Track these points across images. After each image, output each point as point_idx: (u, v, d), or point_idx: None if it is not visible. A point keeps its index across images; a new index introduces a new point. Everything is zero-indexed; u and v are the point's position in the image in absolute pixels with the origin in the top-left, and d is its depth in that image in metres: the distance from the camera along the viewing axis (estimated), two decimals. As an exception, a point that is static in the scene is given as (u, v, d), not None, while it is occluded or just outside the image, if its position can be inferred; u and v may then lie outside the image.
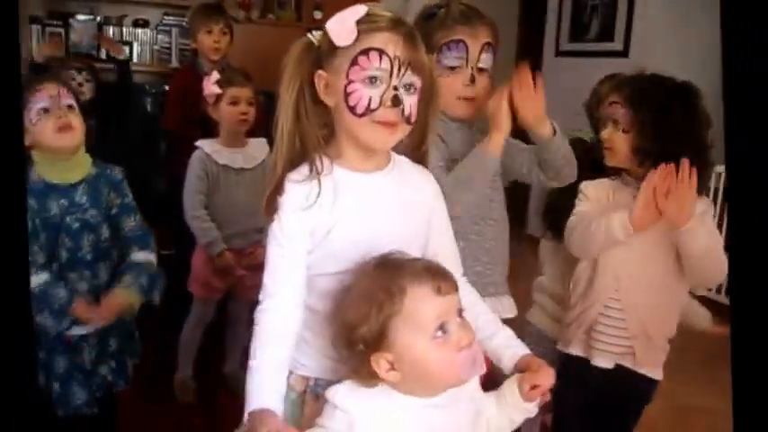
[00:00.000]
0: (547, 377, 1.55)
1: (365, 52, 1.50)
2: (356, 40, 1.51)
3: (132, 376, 2.52)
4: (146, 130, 4.80)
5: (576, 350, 2.28)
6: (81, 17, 5.29)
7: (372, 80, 1.51)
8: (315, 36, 1.59)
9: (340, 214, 1.58)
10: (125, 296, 2.31)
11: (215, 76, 3.17)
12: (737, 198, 1.25)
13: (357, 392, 1.48)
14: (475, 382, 1.55)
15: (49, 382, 2.33)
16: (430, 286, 1.43)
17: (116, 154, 2.57)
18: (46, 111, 2.25)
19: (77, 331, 2.32)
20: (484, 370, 1.48)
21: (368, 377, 1.47)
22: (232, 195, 3.16)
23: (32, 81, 2.32)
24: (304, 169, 1.58)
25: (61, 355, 2.33)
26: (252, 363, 1.55)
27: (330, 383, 1.58)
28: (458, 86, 2.05)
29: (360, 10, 1.53)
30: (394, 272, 1.47)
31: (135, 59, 5.38)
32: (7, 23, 1.07)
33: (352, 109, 1.52)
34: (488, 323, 1.67)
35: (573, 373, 2.22)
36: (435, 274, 1.46)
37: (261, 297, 1.61)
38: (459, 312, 1.46)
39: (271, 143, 3.19)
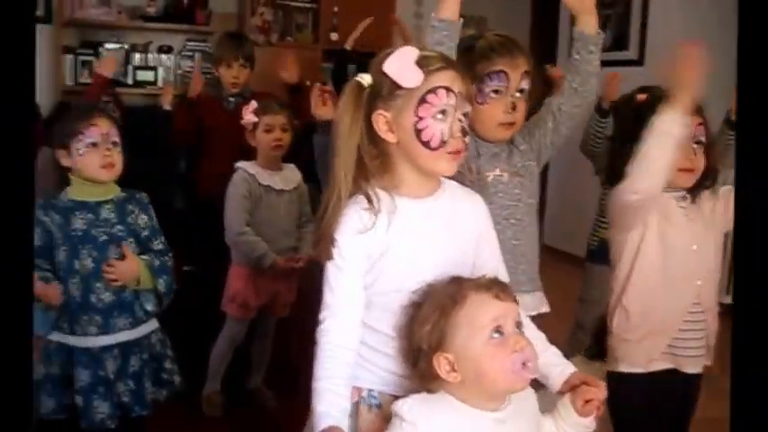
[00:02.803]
0: (599, 391, 1.62)
1: (433, 91, 1.60)
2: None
3: (150, 404, 2.52)
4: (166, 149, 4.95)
5: (660, 365, 2.28)
6: (109, 46, 5.47)
7: (442, 114, 1.60)
8: (365, 79, 1.67)
9: (394, 237, 1.66)
10: (136, 263, 2.39)
11: (253, 104, 3.29)
12: (744, 205, 1.32)
13: (423, 405, 1.55)
14: (534, 402, 1.63)
15: (73, 394, 2.39)
16: (490, 293, 1.53)
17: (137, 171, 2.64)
18: (94, 145, 2.37)
19: (100, 342, 2.39)
20: (536, 374, 1.56)
21: (430, 379, 1.56)
22: (272, 215, 3.28)
23: (87, 115, 2.42)
24: (361, 199, 1.66)
25: (84, 367, 2.39)
26: (320, 383, 1.63)
27: (382, 394, 1.69)
28: (499, 113, 2.15)
29: (411, 52, 1.62)
30: (459, 283, 1.58)
31: (160, 83, 5.54)
32: (23, 58, 1.11)
33: (426, 144, 1.61)
34: (535, 341, 1.69)
35: (657, 387, 2.25)
36: (496, 284, 1.57)
37: (322, 317, 1.68)
38: (518, 324, 1.54)
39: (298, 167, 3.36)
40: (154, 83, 5.53)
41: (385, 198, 1.67)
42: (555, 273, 2.89)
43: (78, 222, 2.38)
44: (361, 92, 1.66)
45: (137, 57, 5.54)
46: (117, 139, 2.43)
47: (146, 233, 2.49)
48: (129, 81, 5.44)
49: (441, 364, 1.53)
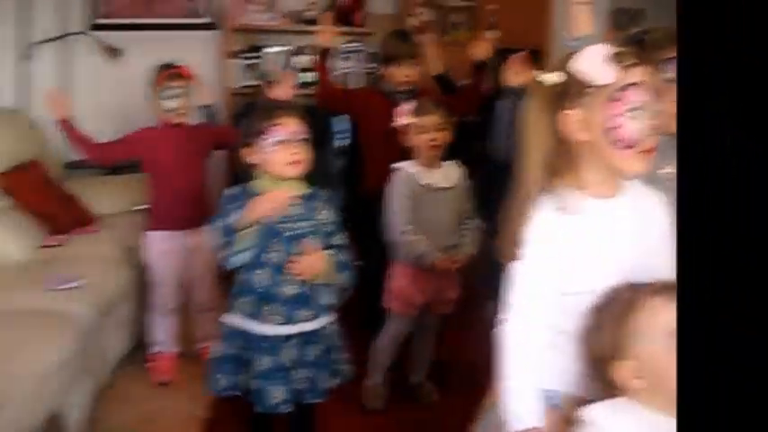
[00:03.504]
0: None
1: (626, 88, 1.57)
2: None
3: (323, 393, 2.64)
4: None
5: None
6: (272, 49, 5.70)
7: (635, 112, 1.57)
8: (548, 78, 1.65)
9: (582, 238, 1.66)
10: (320, 259, 2.50)
11: (407, 106, 3.34)
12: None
13: (609, 412, 1.56)
14: None
15: (250, 378, 2.53)
16: (666, 296, 1.51)
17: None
18: (282, 142, 2.46)
19: (282, 331, 2.52)
20: None
21: (613, 386, 1.57)
22: (433, 213, 3.30)
23: (274, 113, 2.51)
24: (550, 199, 1.67)
25: (265, 354, 2.51)
26: (512, 383, 1.67)
27: (563, 394, 1.72)
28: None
29: (600, 49, 1.59)
30: (635, 289, 1.58)
31: (320, 84, 5.75)
32: None
33: (618, 143, 1.59)
34: None
35: None
36: (672, 287, 1.47)
37: (505, 317, 1.71)
38: None
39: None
40: (315, 83, 5.72)
41: (574, 198, 1.66)
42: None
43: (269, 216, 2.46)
44: (548, 91, 1.65)
45: (298, 59, 5.73)
46: (305, 136, 2.51)
47: (329, 229, 2.59)
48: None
49: (623, 372, 1.54)
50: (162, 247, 3.73)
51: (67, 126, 3.63)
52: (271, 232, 2.49)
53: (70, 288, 3.34)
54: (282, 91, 4.12)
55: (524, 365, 1.69)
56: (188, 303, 3.93)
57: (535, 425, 1.63)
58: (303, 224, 2.54)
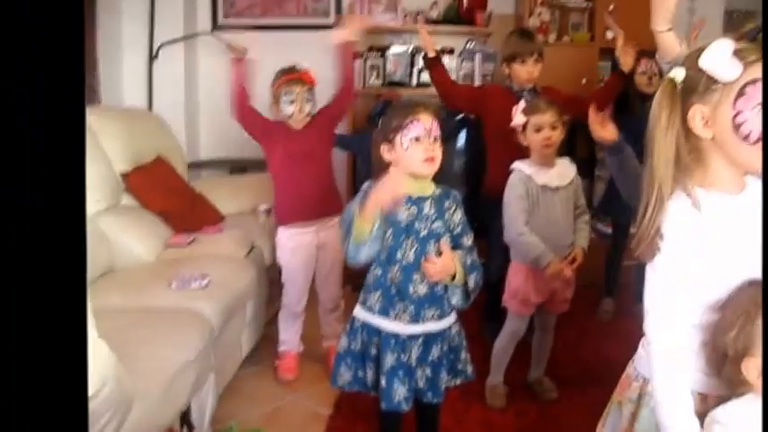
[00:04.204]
0: None
1: (753, 83, 1.57)
2: None
3: (444, 393, 2.63)
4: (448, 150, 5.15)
5: None
6: (396, 49, 5.74)
7: (759, 108, 1.56)
8: (677, 74, 1.67)
9: (714, 234, 1.65)
10: (452, 260, 2.49)
11: (521, 105, 3.36)
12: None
13: (737, 411, 1.56)
14: None
15: (379, 376, 2.54)
16: None
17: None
18: (417, 140, 2.46)
19: (410, 330, 2.53)
20: None
21: (739, 384, 1.57)
22: (550, 213, 3.33)
23: (410, 110, 2.50)
24: (683, 197, 1.66)
25: (391, 351, 2.52)
26: (667, 394, 1.66)
27: (699, 396, 1.69)
28: None
29: (728, 44, 1.59)
30: (761, 287, 1.56)
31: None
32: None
33: (746, 138, 1.58)
34: None
35: None
36: None
37: (650, 320, 1.71)
38: None
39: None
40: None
41: (704, 195, 1.66)
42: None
43: (404, 214, 2.49)
44: (675, 88, 1.66)
45: (420, 59, 5.71)
46: (439, 134, 2.51)
47: (458, 230, 2.59)
48: (414, 83, 5.67)
49: (750, 369, 1.53)
50: (292, 245, 3.77)
51: (241, 69, 3.67)
52: (406, 231, 2.51)
53: (197, 287, 3.40)
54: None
55: (679, 373, 1.68)
56: (313, 302, 3.97)
57: None
58: (437, 224, 2.54)
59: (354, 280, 2.57)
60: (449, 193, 2.61)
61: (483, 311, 4.21)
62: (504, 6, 5.86)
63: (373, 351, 2.57)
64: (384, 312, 2.55)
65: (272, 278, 4.15)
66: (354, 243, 2.38)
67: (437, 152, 2.50)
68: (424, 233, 2.51)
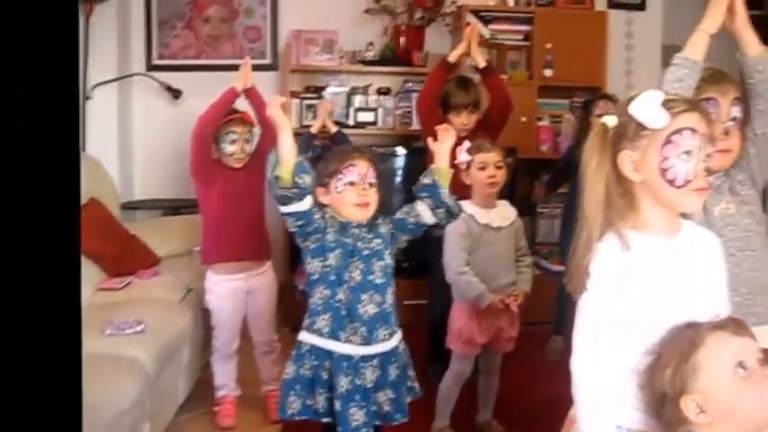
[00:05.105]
0: None
1: (679, 131, 1.67)
2: None
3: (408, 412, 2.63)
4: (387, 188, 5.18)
5: None
6: (332, 89, 5.74)
7: (687, 155, 1.66)
8: (610, 121, 1.75)
9: (644, 275, 1.70)
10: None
11: (466, 144, 3.37)
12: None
13: None
14: None
15: (333, 400, 2.52)
16: (727, 330, 1.56)
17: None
18: (352, 184, 2.54)
19: (362, 351, 2.53)
20: None
21: (678, 424, 1.58)
22: (491, 252, 3.34)
23: (347, 155, 2.59)
24: (612, 238, 1.71)
25: (344, 375, 2.51)
26: (587, 422, 1.71)
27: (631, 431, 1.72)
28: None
29: (657, 95, 1.68)
30: (695, 327, 1.61)
31: (380, 124, 5.77)
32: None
33: (671, 182, 1.68)
34: None
35: None
36: (732, 322, 1.60)
37: (576, 353, 1.75)
38: (762, 359, 1.55)
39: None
40: (374, 123, 5.75)
41: (634, 237, 1.72)
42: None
43: (350, 235, 2.55)
44: (606, 133, 1.74)
45: (357, 99, 5.76)
46: (374, 180, 2.58)
47: (389, 220, 2.66)
48: (351, 122, 5.66)
49: (688, 407, 1.56)
50: (221, 290, 3.72)
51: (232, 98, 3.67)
52: (351, 252, 2.55)
53: (132, 333, 3.31)
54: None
55: (598, 402, 1.71)
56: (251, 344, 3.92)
57: None
58: (375, 242, 2.60)
59: (293, 321, 2.54)
60: (377, 215, 2.66)
61: (425, 353, 4.17)
62: (441, 46, 5.87)
63: (324, 376, 2.55)
64: (334, 335, 2.54)
65: (208, 321, 4.07)
66: (278, 189, 2.40)
67: (371, 197, 2.57)
68: (366, 252, 2.56)
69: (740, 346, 1.55)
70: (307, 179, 2.39)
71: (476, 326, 3.36)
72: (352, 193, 2.54)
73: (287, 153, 2.39)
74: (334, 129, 4.49)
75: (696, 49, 2.12)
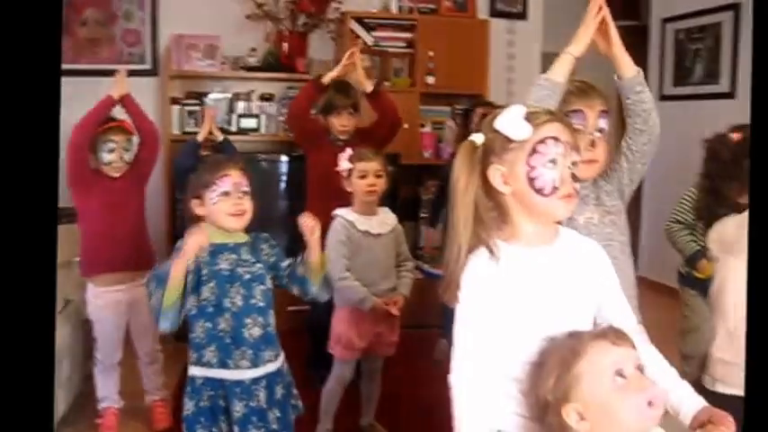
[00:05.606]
0: (729, 427, 1.66)
1: (542, 141, 1.71)
2: None
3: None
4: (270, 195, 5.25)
5: None
6: (214, 95, 5.69)
7: (552, 163, 1.70)
8: (477, 138, 1.78)
9: (515, 285, 1.73)
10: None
11: (348, 152, 3.44)
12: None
13: None
14: None
15: (231, 426, 2.53)
16: (607, 340, 1.60)
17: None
18: (226, 194, 2.54)
19: (252, 374, 2.54)
20: (662, 411, 1.59)
21: (561, 430, 1.61)
22: (371, 259, 3.39)
23: (220, 166, 2.60)
24: (482, 251, 1.75)
25: (239, 399, 2.52)
26: (462, 427, 1.73)
27: None
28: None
29: (520, 108, 1.74)
30: (577, 336, 1.65)
31: (263, 131, 5.75)
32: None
33: (539, 191, 1.71)
34: (666, 375, 1.79)
35: None
36: (612, 331, 1.63)
37: (453, 365, 1.77)
38: (639, 368, 1.60)
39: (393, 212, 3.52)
40: (257, 130, 5.72)
41: (504, 248, 1.76)
42: (654, 306, 2.90)
43: (224, 263, 2.55)
44: (474, 150, 1.78)
45: (240, 105, 5.73)
46: (248, 189, 2.60)
47: (277, 258, 2.69)
48: (234, 128, 5.62)
49: (570, 414, 1.59)
50: (102, 302, 3.67)
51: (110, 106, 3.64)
52: (230, 278, 2.54)
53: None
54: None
55: (474, 415, 1.74)
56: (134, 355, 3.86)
57: None
58: (257, 267, 2.61)
59: (176, 331, 2.52)
60: (260, 237, 2.70)
61: (306, 359, 4.21)
62: (324, 53, 5.91)
63: (222, 403, 2.56)
64: (223, 364, 2.55)
65: (89, 332, 3.98)
66: (163, 310, 2.41)
67: (246, 206, 2.59)
68: (247, 277, 2.57)
69: (619, 355, 1.59)
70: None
71: (355, 331, 3.40)
72: (227, 203, 2.55)
73: (177, 286, 2.42)
74: (220, 137, 4.45)
75: (560, 71, 2.19)
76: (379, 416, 3.72)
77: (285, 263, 2.69)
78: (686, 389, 1.80)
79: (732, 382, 2.20)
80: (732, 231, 2.35)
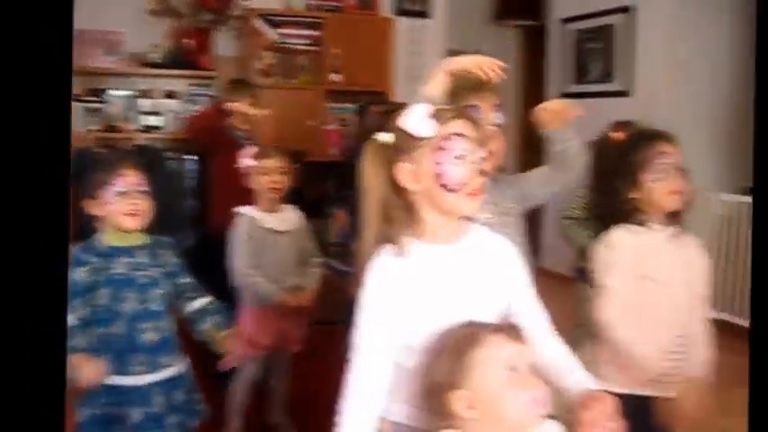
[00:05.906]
0: (604, 401, 1.68)
1: (448, 137, 1.73)
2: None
3: None
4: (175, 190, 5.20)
5: (638, 390, 2.37)
6: (115, 92, 5.60)
7: (458, 159, 1.72)
8: (383, 137, 1.79)
9: (421, 281, 1.75)
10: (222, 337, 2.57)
11: (251, 150, 3.44)
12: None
13: None
14: None
15: None
16: (502, 334, 1.61)
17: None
18: (123, 194, 2.46)
19: (149, 380, 2.48)
20: (548, 410, 1.61)
21: (446, 417, 1.62)
22: (276, 255, 3.39)
23: (115, 164, 2.53)
24: (388, 249, 1.76)
25: (136, 405, 2.45)
26: (347, 418, 1.75)
27: (410, 428, 1.79)
28: None
29: (425, 107, 1.75)
30: (475, 326, 1.66)
31: (167, 128, 5.69)
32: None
33: (446, 186, 1.73)
34: (566, 360, 1.84)
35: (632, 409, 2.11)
36: (510, 327, 1.65)
37: (353, 357, 1.77)
38: (530, 366, 1.62)
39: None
40: (160, 127, 5.66)
41: (412, 245, 1.77)
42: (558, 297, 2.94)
43: (120, 267, 2.47)
44: (382, 149, 1.79)
45: (142, 102, 5.67)
46: (146, 188, 2.53)
47: (171, 269, 2.61)
48: (136, 126, 5.56)
49: (458, 401, 1.60)
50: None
51: None
52: (126, 282, 2.48)
53: None
54: None
55: (363, 403, 1.75)
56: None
57: None
58: (153, 271, 2.54)
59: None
60: (160, 241, 2.63)
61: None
62: (227, 49, 5.88)
63: (117, 411, 2.48)
64: (119, 370, 2.46)
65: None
66: None
67: (143, 206, 2.51)
68: (143, 281, 2.51)
69: (514, 351, 1.61)
70: None
71: (260, 328, 3.40)
72: (123, 202, 2.48)
73: None
74: None
75: (433, 86, 2.23)
76: (288, 412, 3.71)
77: (184, 279, 2.64)
78: (583, 373, 1.83)
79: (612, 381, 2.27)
80: (617, 250, 2.42)
